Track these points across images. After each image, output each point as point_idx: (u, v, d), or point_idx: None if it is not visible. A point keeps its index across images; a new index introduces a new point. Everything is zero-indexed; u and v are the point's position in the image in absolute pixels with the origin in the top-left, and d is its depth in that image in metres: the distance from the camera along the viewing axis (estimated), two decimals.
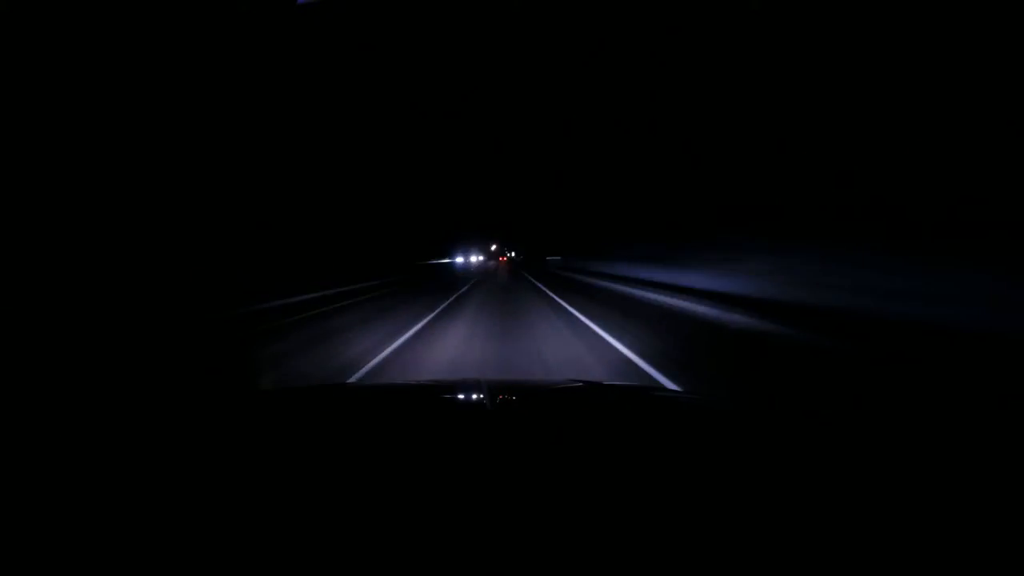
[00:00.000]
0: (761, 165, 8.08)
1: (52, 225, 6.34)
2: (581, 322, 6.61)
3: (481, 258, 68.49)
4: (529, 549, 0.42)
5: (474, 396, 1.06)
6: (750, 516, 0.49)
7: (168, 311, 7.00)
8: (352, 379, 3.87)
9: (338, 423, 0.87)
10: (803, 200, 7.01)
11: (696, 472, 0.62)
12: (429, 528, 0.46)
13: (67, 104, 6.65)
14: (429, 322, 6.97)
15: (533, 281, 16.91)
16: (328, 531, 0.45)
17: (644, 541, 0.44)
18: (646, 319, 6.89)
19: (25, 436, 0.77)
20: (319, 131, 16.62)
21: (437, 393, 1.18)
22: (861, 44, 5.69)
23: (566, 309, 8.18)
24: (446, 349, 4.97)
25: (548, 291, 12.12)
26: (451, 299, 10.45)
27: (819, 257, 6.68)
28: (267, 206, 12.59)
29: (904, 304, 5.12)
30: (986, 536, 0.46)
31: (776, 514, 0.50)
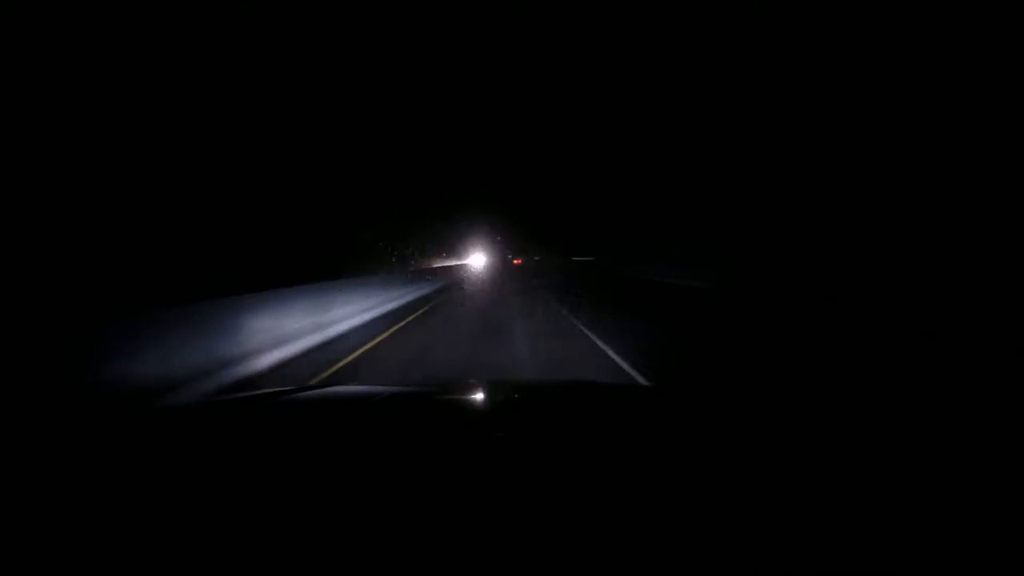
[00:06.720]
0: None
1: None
2: None
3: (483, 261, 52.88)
4: (530, 549, 0.42)
5: (474, 397, 1.06)
6: (747, 514, 0.49)
7: None
8: None
9: (339, 425, 0.86)
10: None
11: (694, 471, 0.62)
12: (431, 529, 0.46)
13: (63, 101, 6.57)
14: None
15: None
16: (331, 535, 0.45)
17: (643, 539, 0.44)
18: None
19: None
20: (318, 131, 16.59)
21: (438, 394, 1.18)
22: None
23: None
24: None
25: None
26: None
27: None
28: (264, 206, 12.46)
29: None
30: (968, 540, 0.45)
31: (773, 511, 0.50)
